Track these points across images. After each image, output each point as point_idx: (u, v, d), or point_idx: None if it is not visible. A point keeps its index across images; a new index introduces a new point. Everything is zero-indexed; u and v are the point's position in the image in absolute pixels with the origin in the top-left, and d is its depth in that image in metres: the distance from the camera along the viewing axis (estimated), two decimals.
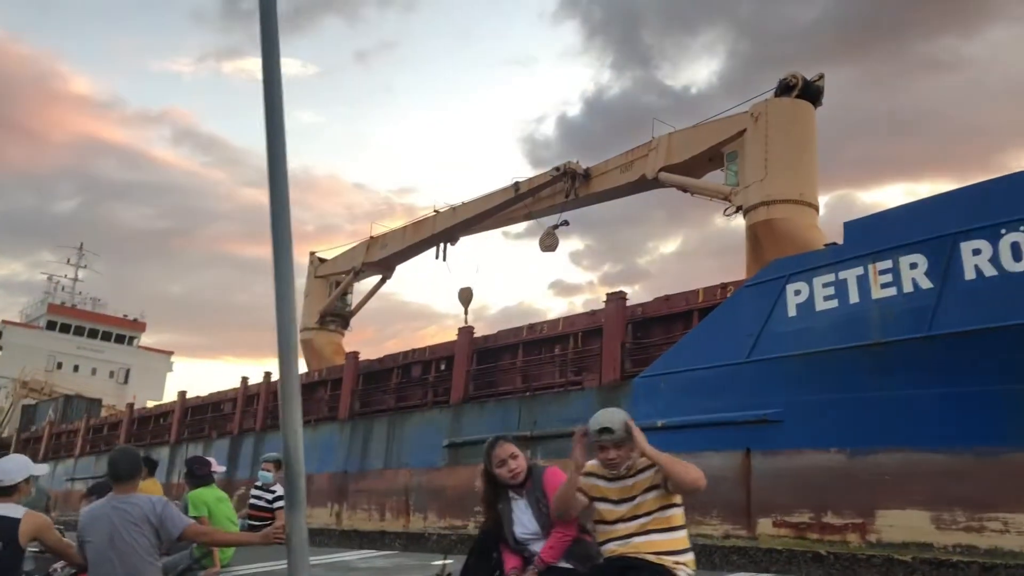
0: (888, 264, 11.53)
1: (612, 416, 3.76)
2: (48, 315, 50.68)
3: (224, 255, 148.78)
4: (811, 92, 19.54)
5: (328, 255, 31.68)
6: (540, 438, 16.02)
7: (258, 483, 7.69)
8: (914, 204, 12.11)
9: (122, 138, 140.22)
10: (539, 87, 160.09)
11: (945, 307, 10.77)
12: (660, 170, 21.03)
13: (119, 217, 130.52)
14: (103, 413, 40.83)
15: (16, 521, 4.14)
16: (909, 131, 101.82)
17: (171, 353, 56.30)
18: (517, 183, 25.06)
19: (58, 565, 5.55)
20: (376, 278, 30.91)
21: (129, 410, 34.94)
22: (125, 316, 53.76)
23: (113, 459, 4.34)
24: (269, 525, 7.24)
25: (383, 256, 29.01)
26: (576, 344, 17.13)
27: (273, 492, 7.55)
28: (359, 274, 30.66)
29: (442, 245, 28.34)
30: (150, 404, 39.99)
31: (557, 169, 23.62)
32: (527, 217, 26.37)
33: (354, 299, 31.82)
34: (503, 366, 18.82)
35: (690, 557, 3.65)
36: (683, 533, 3.70)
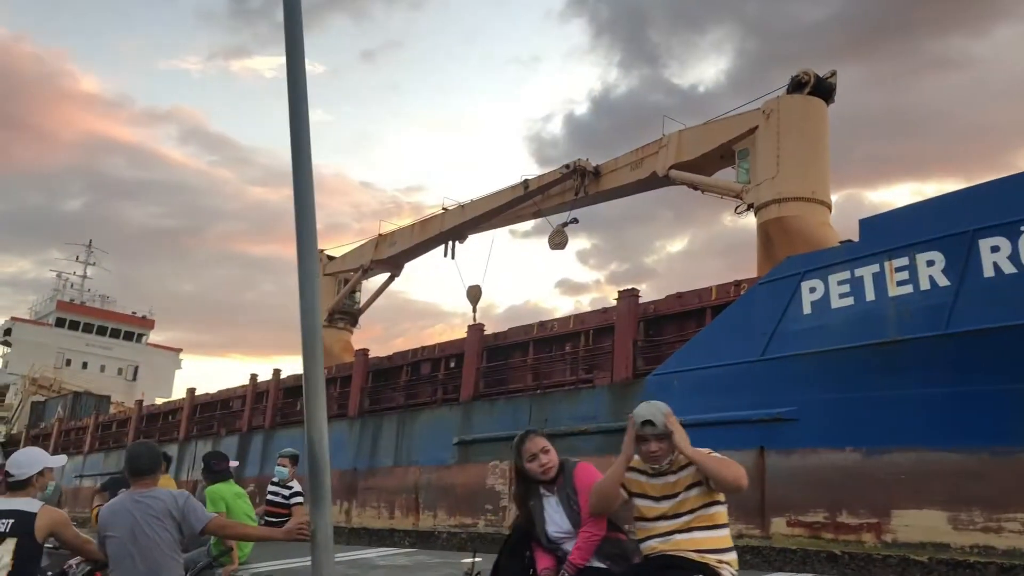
0: (905, 261, 11.43)
1: (654, 409, 3.66)
2: (57, 312, 50.80)
3: (232, 253, 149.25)
4: (823, 89, 19.43)
5: (337, 253, 31.67)
6: (551, 436, 15.85)
7: (275, 479, 7.65)
8: (931, 201, 12.01)
9: (130, 136, 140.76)
10: (546, 86, 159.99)
11: (963, 305, 10.66)
12: (671, 168, 20.93)
13: (127, 215, 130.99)
14: (112, 410, 40.97)
15: (32, 516, 4.04)
16: (917, 130, 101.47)
17: (180, 350, 56.46)
18: (526, 181, 24.99)
19: (73, 561, 5.47)
20: (384, 276, 30.89)
21: (138, 407, 35.01)
22: (134, 313, 53.87)
23: (133, 453, 4.27)
24: (286, 521, 7.24)
25: (391, 254, 28.98)
26: (587, 342, 17.05)
27: (290, 488, 7.51)
28: (367, 272, 30.64)
29: (451, 243, 28.31)
30: (159, 401, 40.04)
31: (567, 167, 23.54)
32: (536, 215, 26.29)
33: (362, 297, 31.83)
34: (513, 364, 18.76)
35: (733, 556, 3.55)
36: (726, 531, 3.59)
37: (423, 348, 21.90)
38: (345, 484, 20.77)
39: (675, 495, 3.57)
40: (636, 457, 3.72)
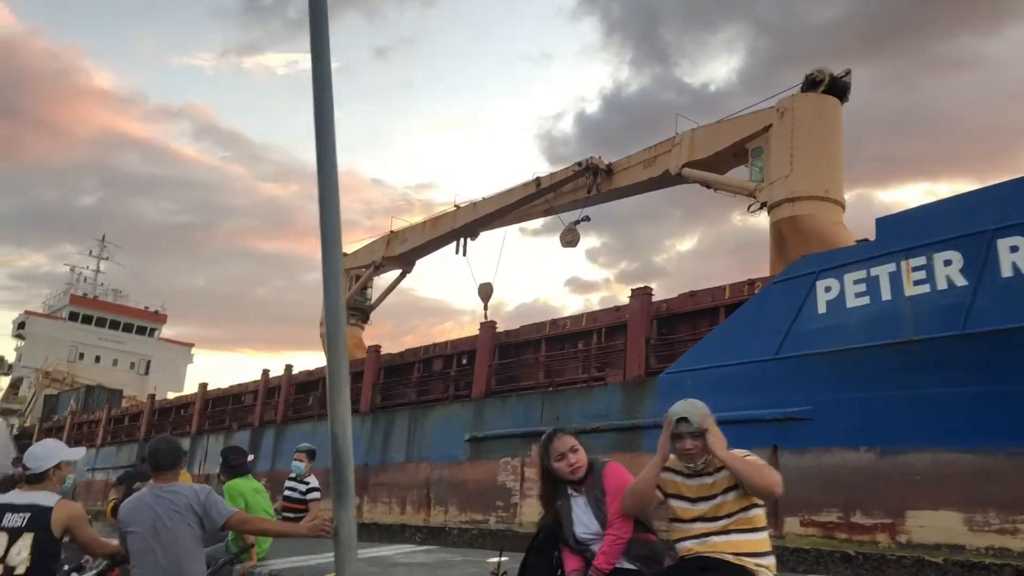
0: (922, 261, 11.35)
1: (690, 406, 3.59)
2: (71, 306, 51.09)
3: (243, 249, 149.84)
4: (838, 87, 19.31)
5: (348, 249, 31.71)
6: None
7: (292, 475, 7.64)
8: (949, 200, 11.92)
9: (144, 133, 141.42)
10: (557, 84, 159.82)
11: (981, 305, 10.58)
12: (683, 166, 20.86)
13: (140, 211, 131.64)
14: (124, 404, 41.15)
15: (48, 510, 3.95)
16: (927, 130, 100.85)
17: (191, 345, 56.67)
18: (538, 178, 24.94)
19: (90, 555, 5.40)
20: (396, 272, 30.91)
21: (150, 401, 35.17)
22: (146, 308, 54.12)
23: (154, 448, 4.23)
24: (303, 517, 7.25)
25: (403, 251, 28.99)
26: (600, 340, 17.02)
27: (307, 483, 7.50)
28: (379, 268, 30.66)
29: (462, 240, 28.29)
30: (170, 395, 40.23)
31: (579, 164, 23.48)
32: (548, 212, 26.24)
33: (374, 293, 31.87)
34: (525, 361, 18.75)
35: (772, 561, 3.43)
36: (765, 535, 3.48)
37: (435, 345, 21.92)
38: (356, 479, 20.70)
39: (712, 497, 3.48)
40: (672, 457, 3.65)
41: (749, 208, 20.16)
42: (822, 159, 18.33)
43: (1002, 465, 10.46)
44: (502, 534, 16.44)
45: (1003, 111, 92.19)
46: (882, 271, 11.78)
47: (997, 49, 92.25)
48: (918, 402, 11.15)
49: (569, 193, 24.42)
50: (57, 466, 4.18)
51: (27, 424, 45.77)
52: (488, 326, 19.91)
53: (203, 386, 31.40)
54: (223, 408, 29.84)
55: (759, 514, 3.47)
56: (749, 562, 3.34)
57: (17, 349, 51.95)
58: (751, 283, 14.39)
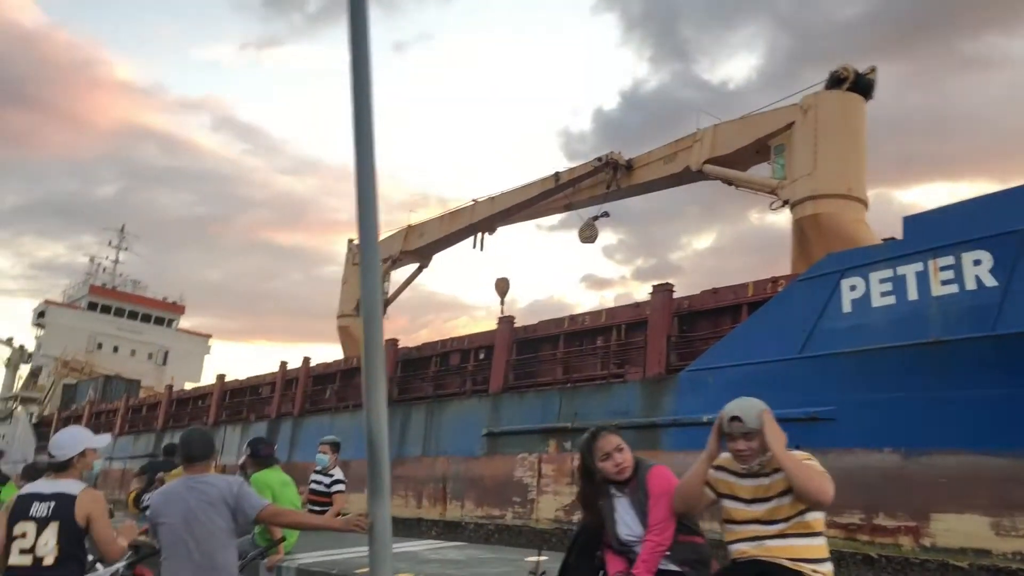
0: (950, 260, 11.19)
1: (746, 405, 3.43)
2: (90, 296, 51.41)
3: (260, 242, 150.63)
4: (862, 85, 19.10)
5: None
6: (581, 430, 15.84)
7: (318, 467, 7.60)
8: (979, 199, 11.73)
9: (163, 124, 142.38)
10: (575, 80, 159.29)
11: (1011, 306, 10.40)
12: (705, 162, 20.71)
13: (159, 202, 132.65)
14: (141, 394, 41.42)
15: (73, 498, 3.88)
16: (948, 130, 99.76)
17: (209, 336, 56.95)
18: (558, 173, 24.84)
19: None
20: (413, 267, 30.90)
21: (168, 392, 35.37)
22: (165, 299, 54.41)
23: (187, 439, 4.15)
24: (328, 510, 7.21)
25: (420, 244, 28.98)
26: (619, 336, 16.93)
27: (331, 476, 7.46)
28: (396, 262, 30.65)
29: (480, 235, 28.24)
30: (188, 386, 40.46)
31: (599, 159, 23.35)
32: (566, 208, 26.13)
33: (390, 287, 31.86)
34: (543, 357, 18.68)
35: (829, 568, 3.27)
36: (823, 540, 3.32)
37: (452, 339, 21.89)
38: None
39: (768, 499, 3.33)
40: (726, 456, 3.49)
41: (771, 205, 19.99)
42: (845, 157, 18.14)
43: None
44: (518, 530, 16.40)
45: None
46: (909, 270, 11.63)
47: (1022, 48, 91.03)
48: (945, 404, 11.00)
49: (588, 188, 24.30)
50: (82, 453, 4.11)
51: (46, 413, 46.14)
52: (506, 321, 19.86)
53: (221, 377, 31.54)
54: (241, 399, 29.96)
55: (818, 518, 3.31)
56: (806, 567, 3.20)
57: (37, 338, 52.35)
58: (774, 281, 14.25)
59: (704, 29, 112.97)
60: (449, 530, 17.65)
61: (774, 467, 3.35)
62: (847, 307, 12.23)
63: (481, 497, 17.94)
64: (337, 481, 7.47)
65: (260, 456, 5.95)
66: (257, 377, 29.73)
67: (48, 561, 3.77)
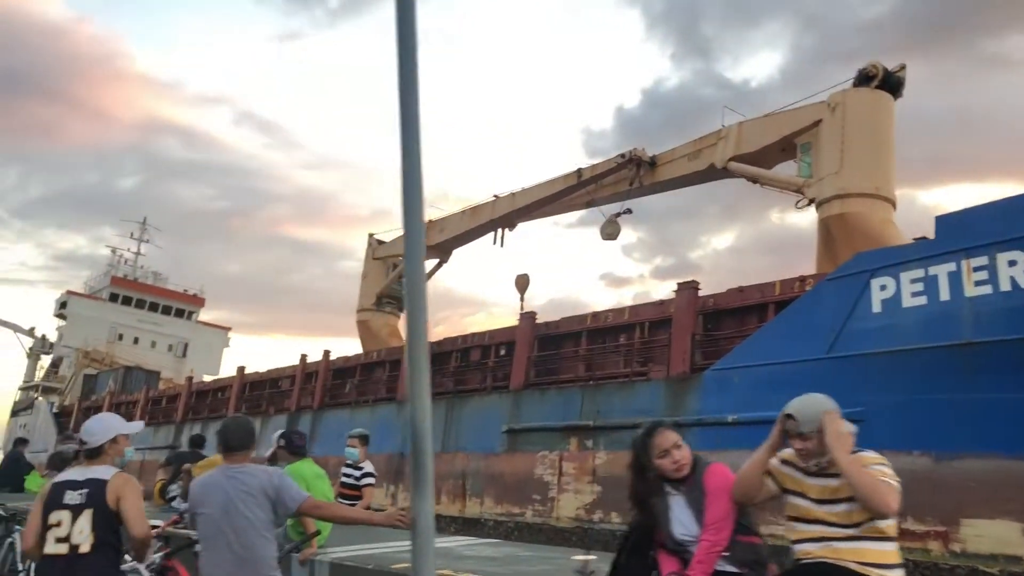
0: (983, 261, 10.99)
1: (804, 403, 3.33)
2: (111, 287, 51.77)
3: (279, 236, 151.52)
4: (891, 83, 18.87)
5: (386, 237, 31.74)
6: (603, 429, 15.79)
7: (348, 460, 7.57)
8: (1014, 199, 11.51)
9: (184, 118, 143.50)
10: (597, 77, 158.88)
11: None
12: (730, 159, 20.53)
13: (180, 195, 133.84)
14: (161, 385, 41.70)
15: (105, 483, 3.84)
16: (974, 130, 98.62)
17: (228, 329, 57.20)
18: (580, 169, 24.72)
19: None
20: (433, 262, 30.87)
21: (188, 383, 35.58)
22: (185, 291, 54.70)
23: (226, 428, 4.11)
24: (358, 502, 7.17)
25: (441, 240, 28.93)
26: (642, 334, 16.81)
27: (361, 469, 7.43)
28: None
29: (500, 231, 28.18)
30: (207, 378, 40.67)
31: (622, 156, 23.21)
32: (588, 204, 26.00)
33: None
34: (565, 354, 18.59)
35: (899, 574, 3.15)
36: (894, 545, 3.18)
37: (473, 334, 21.84)
38: (392, 468, 20.82)
39: (838, 501, 3.19)
40: (791, 451, 3.38)
41: (797, 204, 19.80)
42: (874, 156, 17.93)
43: None
44: (538, 528, 16.34)
45: None
46: (941, 270, 11.44)
47: None
48: (977, 406, 10.81)
49: (611, 185, 24.17)
50: (114, 440, 4.07)
51: (67, 403, 46.57)
52: (528, 317, 19.78)
53: (241, 370, 31.67)
54: (260, 392, 30.07)
55: (891, 523, 3.17)
56: (874, 572, 3.07)
57: (58, 329, 52.82)
58: (802, 280, 14.09)
59: (726, 27, 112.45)
60: (468, 527, 17.60)
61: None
62: (877, 307, 12.06)
63: (501, 494, 17.88)
64: (367, 474, 7.43)
65: (295, 446, 5.90)
66: (277, 370, 29.83)
67: (84, 548, 3.74)
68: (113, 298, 51.45)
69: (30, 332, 54.06)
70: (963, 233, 11.35)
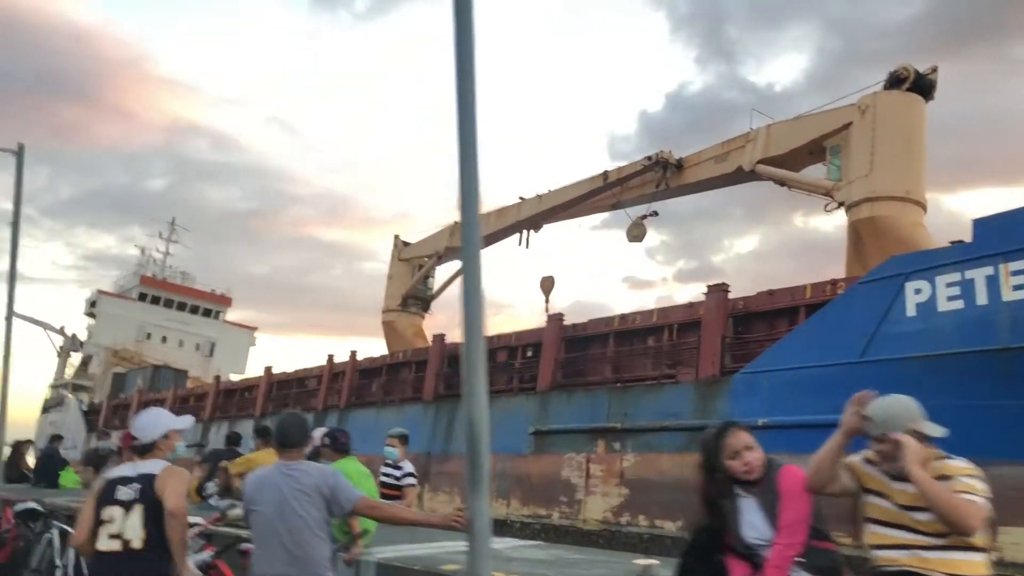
0: (1022, 265, 10.86)
1: (883, 406, 3.26)
2: (140, 287, 52.30)
3: (304, 237, 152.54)
4: (922, 85, 18.69)
5: (412, 239, 31.88)
6: (630, 431, 15.75)
7: (388, 460, 7.61)
8: None
9: (210, 120, 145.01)
10: (620, 80, 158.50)
11: None
12: (758, 162, 20.43)
13: (207, 196, 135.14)
14: (188, 384, 42.08)
15: (154, 478, 3.79)
16: (1002, 133, 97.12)
17: (255, 328, 57.59)
18: (606, 172, 24.72)
19: (193, 531, 5.15)
20: (458, 263, 30.93)
21: (216, 382, 35.90)
22: (212, 291, 55.13)
23: (282, 424, 4.06)
24: (398, 502, 7.20)
25: None
26: (671, 336, 16.75)
27: (401, 468, 7.47)
28: (442, 258, 30.77)
29: (526, 232, 28.22)
30: (234, 377, 41.00)
31: (649, 158, 23.18)
32: (614, 207, 25.98)
33: (435, 283, 31.99)
34: (592, 355, 18.57)
35: None
36: (984, 557, 3.02)
37: (500, 336, 21.85)
38: (419, 467, 20.78)
39: (925, 509, 3.03)
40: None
41: (826, 207, 19.67)
42: (904, 158, 17.78)
43: None
44: (565, 530, 16.32)
45: None
46: (978, 274, 11.31)
47: None
48: (1014, 412, 10.68)
49: (637, 188, 24.15)
50: (165, 435, 4.03)
51: (96, 400, 47.13)
52: (555, 319, 19.78)
53: (268, 369, 31.91)
54: (287, 391, 30.29)
55: (981, 534, 3.01)
56: None
57: (88, 327, 53.46)
58: (834, 283, 13.99)
59: (751, 30, 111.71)
60: (495, 528, 17.57)
61: (933, 475, 3.12)
62: (911, 311, 11.95)
63: (527, 496, 17.89)
64: (408, 474, 7.46)
65: (339, 444, 5.93)
66: (304, 370, 30.04)
67: (136, 544, 3.70)
68: (142, 297, 51.97)
69: (60, 331, 54.75)
70: (1002, 237, 11.21)
